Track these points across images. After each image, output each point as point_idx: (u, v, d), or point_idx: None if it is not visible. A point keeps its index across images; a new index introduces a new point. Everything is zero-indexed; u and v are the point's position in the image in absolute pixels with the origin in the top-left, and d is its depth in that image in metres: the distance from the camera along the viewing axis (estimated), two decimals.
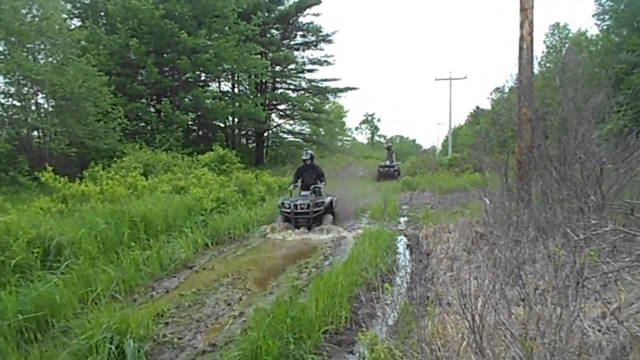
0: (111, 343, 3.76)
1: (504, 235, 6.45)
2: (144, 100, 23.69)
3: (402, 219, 12.19)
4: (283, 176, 19.43)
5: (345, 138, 47.12)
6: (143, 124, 22.42)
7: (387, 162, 26.38)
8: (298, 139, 33.61)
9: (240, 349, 3.60)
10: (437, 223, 9.79)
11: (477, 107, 45.69)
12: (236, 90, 29.14)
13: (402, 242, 9.27)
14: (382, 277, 6.19)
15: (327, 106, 37.06)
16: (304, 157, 11.60)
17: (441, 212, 11.54)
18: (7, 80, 17.03)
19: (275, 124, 32.68)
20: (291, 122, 33.43)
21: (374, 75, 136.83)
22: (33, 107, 17.44)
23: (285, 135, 33.43)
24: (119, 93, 20.06)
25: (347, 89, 32.77)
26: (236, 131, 29.88)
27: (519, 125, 7.60)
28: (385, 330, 4.28)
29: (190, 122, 23.71)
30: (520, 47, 7.55)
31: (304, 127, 34.33)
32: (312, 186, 11.14)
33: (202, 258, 8.02)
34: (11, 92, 17.23)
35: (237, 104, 25.54)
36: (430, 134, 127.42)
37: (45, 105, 17.82)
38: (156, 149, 18.17)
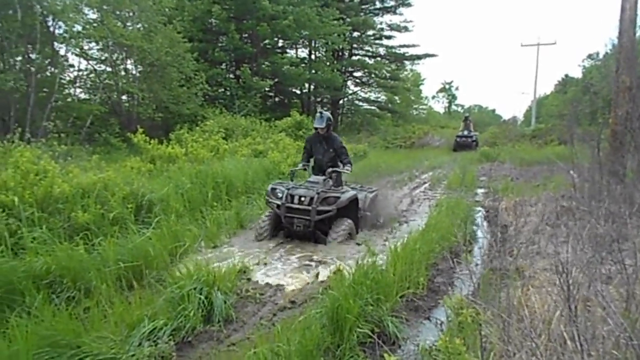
0: (200, 293, 4.00)
1: (594, 210, 6.13)
2: (224, 67, 24.30)
3: (480, 191, 11.85)
4: (358, 143, 19.40)
5: (421, 107, 45.92)
6: (223, 89, 23.05)
7: (465, 132, 25.54)
8: (373, 107, 33.30)
9: (322, 307, 3.71)
10: (517, 196, 9.45)
11: (566, 76, 42.90)
12: (313, 57, 29.14)
13: (480, 214, 9.04)
14: (459, 248, 6.11)
15: (404, 74, 36.28)
16: (316, 124, 7.14)
17: (522, 185, 11.11)
18: (100, 47, 18.08)
19: (350, 92, 32.49)
20: (367, 89, 33.09)
21: (454, 41, 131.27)
22: (123, 73, 18.41)
23: (360, 103, 33.20)
24: (201, 59, 20.69)
25: (425, 55, 31.87)
26: (312, 98, 30.03)
27: (615, 93, 7.10)
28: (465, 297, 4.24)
29: (267, 89, 24.10)
30: (623, 8, 6.97)
31: (379, 95, 33.90)
32: (330, 170, 6.91)
33: None
34: (103, 58, 18.30)
35: (313, 70, 25.61)
36: (512, 104, 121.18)
37: (134, 71, 18.77)
38: (235, 114, 18.68)
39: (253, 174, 9.44)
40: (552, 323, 2.28)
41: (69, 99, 17.47)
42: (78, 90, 18.56)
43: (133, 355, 3.15)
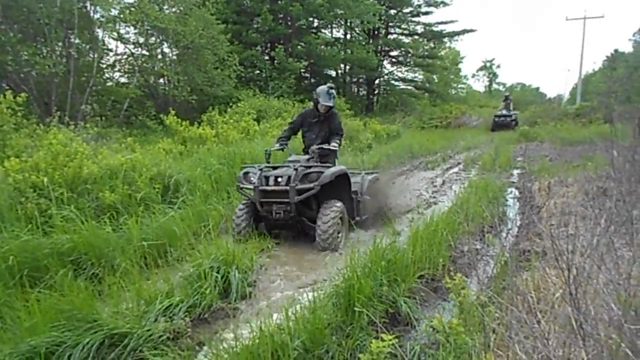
0: (218, 272, 4.07)
1: (632, 192, 5.87)
2: (258, 48, 24.33)
3: (515, 172, 11.54)
4: (392, 124, 19.19)
5: (460, 86, 44.75)
6: (257, 71, 23.11)
7: (504, 112, 24.83)
8: (410, 87, 32.73)
9: (335, 286, 3.72)
10: (554, 176, 9.15)
11: (616, 51, 40.93)
12: (348, 36, 28.81)
13: (512, 194, 8.82)
14: (486, 229, 5.99)
15: (442, 52, 35.43)
16: (323, 102, 6.12)
17: (560, 165, 10.75)
18: (136, 30, 18.41)
19: (387, 72, 32.01)
20: (403, 69, 32.50)
21: (495, 16, 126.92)
22: (159, 56, 18.72)
23: (396, 83, 32.63)
24: (235, 41, 20.78)
25: (464, 31, 30.96)
26: (347, 79, 29.79)
27: None
28: (479, 280, 4.16)
29: (302, 70, 24.02)
30: None
31: (416, 75, 33.27)
32: (314, 147, 6.06)
33: None
34: (140, 42, 18.65)
35: (348, 50, 25.33)
36: (557, 82, 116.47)
37: (170, 54, 19.06)
38: (269, 95, 18.73)
39: (282, 154, 9.45)
40: (555, 305, 2.21)
41: (109, 83, 17.96)
42: (117, 74, 19.04)
43: (148, 330, 3.24)
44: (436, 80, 34.91)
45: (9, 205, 4.70)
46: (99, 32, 16.68)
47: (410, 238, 4.79)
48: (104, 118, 15.38)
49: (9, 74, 13.95)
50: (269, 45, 24.97)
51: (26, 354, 2.66)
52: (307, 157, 5.95)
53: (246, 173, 5.81)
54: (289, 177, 5.38)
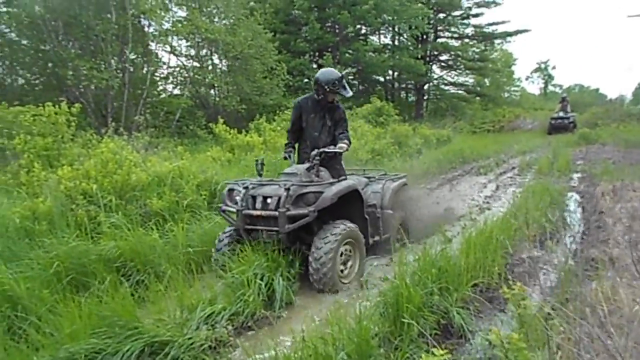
0: (262, 279, 3.97)
1: None
2: (306, 57, 24.45)
3: (575, 175, 10.93)
4: (442, 129, 18.75)
5: (513, 89, 43.28)
6: (306, 79, 23.22)
7: (561, 114, 23.78)
8: (460, 91, 31.94)
9: (382, 295, 3.53)
10: (618, 180, 8.58)
11: None
12: (396, 42, 28.50)
13: (573, 199, 8.32)
14: (546, 236, 5.63)
15: (493, 54, 34.41)
16: (322, 81, 4.84)
17: (625, 168, 10.09)
18: (188, 43, 18.91)
19: (436, 76, 31.39)
20: (453, 73, 31.78)
21: (550, 14, 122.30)
22: (210, 67, 19.12)
23: (446, 88, 31.92)
24: (283, 50, 20.95)
25: (516, 32, 29.93)
26: (396, 85, 29.48)
27: None
28: (541, 290, 3.86)
29: (350, 77, 23.95)
30: None
31: (467, 78, 32.42)
32: (314, 153, 4.67)
33: None
34: (192, 54, 19.13)
35: (397, 56, 25.04)
36: (618, 82, 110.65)
37: (220, 65, 19.42)
38: None
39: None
40: (631, 320, 1.95)
41: (162, 95, 18.49)
42: (170, 86, 19.59)
43: (190, 339, 3.16)
44: (488, 84, 33.93)
45: (60, 212, 4.79)
46: (152, 46, 17.22)
47: (463, 244, 4.53)
48: (157, 128, 15.86)
49: (68, 88, 14.58)
50: (317, 53, 25.05)
51: None
52: (306, 166, 4.72)
53: (230, 191, 4.69)
54: (280, 198, 4.22)
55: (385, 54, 25.14)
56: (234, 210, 4.49)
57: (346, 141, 4.90)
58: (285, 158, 5.29)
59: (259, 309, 3.75)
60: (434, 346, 3.20)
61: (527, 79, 59.37)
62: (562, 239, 5.89)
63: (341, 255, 4.42)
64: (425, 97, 30.91)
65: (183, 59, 19.08)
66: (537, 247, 5.29)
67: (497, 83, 35.39)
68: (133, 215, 5.13)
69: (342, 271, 4.46)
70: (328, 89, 4.84)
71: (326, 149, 4.76)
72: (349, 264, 4.59)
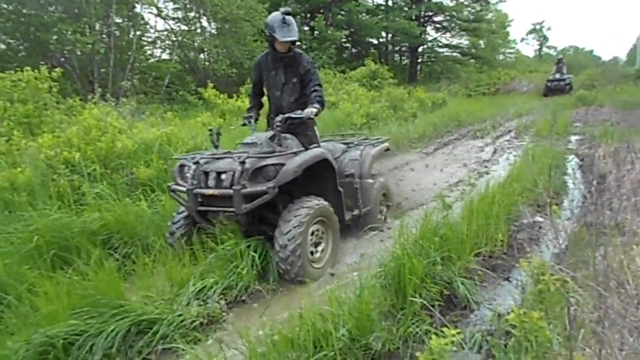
0: (255, 251, 3.77)
1: None
2: (297, 18, 23.78)
3: (574, 138, 10.73)
4: (437, 92, 18.40)
5: (508, 51, 42.67)
6: (298, 42, 22.60)
7: (557, 75, 23.44)
8: (455, 53, 31.38)
9: (383, 266, 3.35)
10: (618, 142, 8.39)
11: None
12: (390, 2, 27.75)
13: (572, 162, 8.14)
14: (546, 200, 5.45)
15: (488, 15, 33.66)
16: (279, 35, 4.06)
17: (624, 130, 9.90)
18: (175, 5, 18.27)
19: (430, 38, 30.75)
20: (448, 35, 31.15)
21: None
22: (198, 31, 18.54)
23: (441, 50, 31.35)
24: (273, 11, 20.29)
25: None
26: (389, 47, 28.88)
27: None
28: (548, 258, 3.70)
29: (343, 39, 23.41)
30: None
31: (461, 40, 31.83)
32: (278, 119, 3.97)
33: None
34: (179, 16, 18.52)
35: (390, 18, 24.43)
36: (612, 44, 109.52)
37: (209, 28, 18.83)
38: None
39: (323, 125, 9.08)
40: None
41: (150, 60, 17.97)
42: (158, 51, 19.04)
43: (180, 315, 2.98)
44: (483, 46, 33.33)
45: (41, 182, 4.55)
46: (138, 8, 16.62)
47: (464, 211, 4.33)
48: (146, 94, 15.45)
49: (52, 53, 14.08)
50: (308, 15, 24.37)
51: (41, 345, 2.44)
52: (268, 134, 4.06)
53: (182, 167, 4.00)
54: (234, 173, 3.58)
55: (378, 15, 24.52)
56: (184, 189, 3.80)
57: (316, 105, 4.09)
58: (244, 124, 4.55)
59: (253, 282, 3.57)
60: (439, 319, 3.05)
61: (522, 41, 58.82)
62: (565, 203, 5.73)
63: (312, 235, 3.83)
64: (419, 60, 30.37)
65: (171, 22, 18.51)
66: (540, 212, 5.13)
67: (492, 45, 34.77)
68: (119, 184, 4.89)
69: (312, 254, 3.83)
70: (272, 39, 4.12)
71: (292, 115, 4.01)
72: (321, 246, 3.97)
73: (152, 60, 18.01)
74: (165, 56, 18.71)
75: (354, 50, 27.18)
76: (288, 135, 4.08)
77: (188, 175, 3.77)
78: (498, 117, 15.57)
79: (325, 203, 3.97)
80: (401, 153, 9.67)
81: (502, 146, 10.41)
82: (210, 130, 4.38)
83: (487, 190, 4.93)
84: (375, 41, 27.38)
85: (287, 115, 4.02)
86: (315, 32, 22.06)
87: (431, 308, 2.86)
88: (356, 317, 2.70)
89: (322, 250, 3.99)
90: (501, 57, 38.45)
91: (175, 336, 2.87)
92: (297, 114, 4.02)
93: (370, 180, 4.89)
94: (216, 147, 4.27)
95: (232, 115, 9.45)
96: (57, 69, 6.97)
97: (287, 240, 3.56)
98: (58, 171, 4.67)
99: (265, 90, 4.53)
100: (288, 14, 4.13)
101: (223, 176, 3.67)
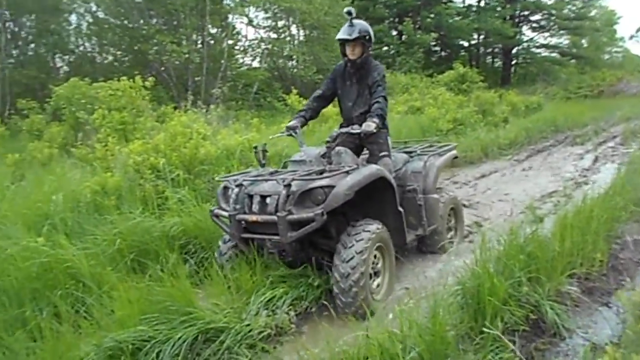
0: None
1: None
2: (385, 23, 23.61)
3: None
4: (532, 95, 17.39)
5: (615, 50, 39.42)
6: (385, 47, 22.45)
7: None
8: (554, 53, 29.45)
9: (461, 283, 3.11)
10: None
11: None
12: (482, 3, 26.69)
13: None
14: None
15: (592, 12, 31.33)
16: (340, 35, 3.91)
17: None
18: (266, 15, 18.86)
19: (526, 39, 29.13)
20: (546, 34, 29.34)
21: None
22: (287, 38, 18.99)
23: (537, 50, 29.54)
24: (361, 17, 20.27)
25: None
26: (481, 49, 27.81)
27: None
28: None
29: (432, 43, 22.92)
30: None
31: (561, 40, 29.86)
32: (336, 132, 3.70)
33: None
34: (269, 25, 19.08)
35: (482, 19, 23.53)
36: None
37: (297, 36, 19.21)
38: (395, 71, 18.06)
39: (407, 131, 8.87)
40: None
41: (242, 68, 18.65)
42: (249, 59, 19.73)
43: (247, 325, 2.95)
44: (585, 45, 31.07)
45: (128, 187, 4.77)
46: (230, 17, 17.28)
47: (556, 226, 3.95)
48: (236, 101, 16.03)
49: (151, 63, 15.02)
50: (396, 19, 24.12)
51: (111, 349, 2.50)
52: (318, 150, 3.76)
53: (226, 189, 3.65)
54: (279, 197, 3.20)
55: (469, 16, 23.69)
56: (226, 214, 3.47)
57: (375, 119, 3.68)
58: (289, 135, 4.08)
59: (325, 294, 3.47)
60: (522, 346, 2.79)
61: (631, 38, 53.84)
62: None
63: (373, 265, 3.46)
64: (513, 62, 28.89)
65: (261, 31, 19.09)
66: None
67: (596, 43, 32.29)
68: (200, 190, 5.01)
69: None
70: (340, 41, 3.95)
71: (350, 130, 3.68)
72: (379, 275, 3.59)
73: (242, 68, 18.67)
74: (255, 64, 19.34)
75: (443, 53, 26.48)
76: (342, 149, 3.75)
77: (231, 199, 3.46)
78: (602, 122, 14.41)
79: (384, 228, 3.58)
80: (489, 160, 9.21)
81: (604, 153, 9.57)
82: (255, 147, 4.00)
83: (584, 202, 4.47)
84: (465, 43, 26.49)
85: (341, 130, 3.78)
86: (404, 36, 21.79)
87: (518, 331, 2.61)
88: (427, 340, 2.51)
89: (380, 280, 3.61)
90: (607, 56, 35.56)
91: (242, 346, 2.84)
92: (355, 129, 3.67)
93: (436, 196, 4.40)
94: (262, 165, 3.88)
95: (315, 122, 9.47)
96: (150, 78, 7.36)
97: (349, 268, 3.17)
98: (144, 176, 4.87)
99: (338, 100, 4.30)
100: (349, 13, 3.83)
101: (268, 200, 3.34)
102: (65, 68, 17.48)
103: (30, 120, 9.13)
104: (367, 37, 3.87)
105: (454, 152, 5.06)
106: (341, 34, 3.89)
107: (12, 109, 11.92)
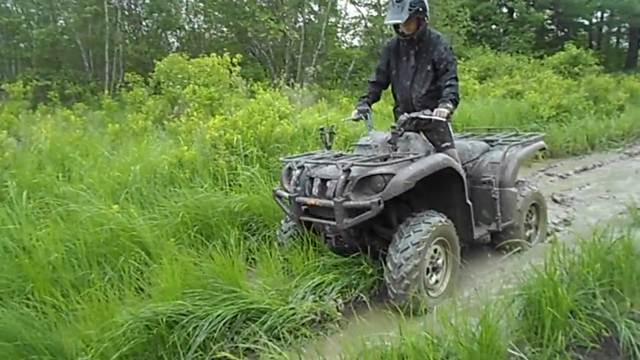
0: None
1: None
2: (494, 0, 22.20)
3: None
4: None
5: None
6: (493, 25, 21.13)
7: None
8: None
9: (524, 289, 2.83)
10: None
11: None
12: None
13: None
14: None
15: None
16: (388, 19, 3.60)
17: None
18: None
19: None
20: None
21: None
22: None
23: None
24: None
25: None
26: (604, 29, 25.25)
27: None
28: None
29: (546, 20, 21.17)
30: None
31: None
32: (403, 119, 3.35)
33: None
34: (370, 2, 18.68)
35: None
36: None
37: None
38: (500, 51, 16.97)
39: (501, 116, 8.30)
40: None
41: (341, 46, 18.51)
42: (349, 37, 19.52)
43: (292, 309, 2.91)
44: None
45: (203, 161, 4.91)
46: None
47: None
48: (331, 79, 15.99)
49: (250, 39, 15.38)
50: None
51: (148, 320, 2.57)
52: (385, 135, 3.55)
53: (290, 170, 3.61)
54: (335, 185, 3.13)
55: None
56: (286, 195, 3.46)
57: (449, 104, 3.36)
58: (358, 119, 3.90)
59: (376, 284, 3.34)
60: None
61: None
62: None
63: (431, 260, 3.32)
64: None
65: (363, 9, 18.74)
66: None
67: None
68: (272, 168, 5.04)
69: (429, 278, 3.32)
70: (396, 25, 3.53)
71: (420, 115, 3.38)
72: (439, 271, 3.41)
73: (342, 46, 18.51)
74: (355, 42, 19.09)
75: (559, 33, 24.39)
76: (412, 134, 3.51)
77: (292, 180, 3.44)
78: None
79: (449, 222, 3.37)
80: (595, 152, 8.38)
81: None
82: (321, 129, 3.91)
83: None
84: (586, 22, 24.16)
85: (411, 115, 3.40)
86: (515, 14, 20.34)
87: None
88: (472, 352, 2.30)
89: (439, 277, 3.42)
90: None
91: (284, 329, 2.81)
92: (426, 114, 3.37)
93: (514, 190, 4.06)
94: (328, 148, 3.81)
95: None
96: (237, 55, 7.49)
97: (403, 259, 3.04)
98: (219, 151, 4.98)
99: (391, 79, 3.87)
100: None
101: (328, 184, 3.25)
102: (177, 44, 18.51)
103: (134, 92, 9.70)
104: (420, 9, 3.42)
105: (541, 143, 4.62)
106: (390, 18, 3.53)
107: (123, 82, 12.77)
